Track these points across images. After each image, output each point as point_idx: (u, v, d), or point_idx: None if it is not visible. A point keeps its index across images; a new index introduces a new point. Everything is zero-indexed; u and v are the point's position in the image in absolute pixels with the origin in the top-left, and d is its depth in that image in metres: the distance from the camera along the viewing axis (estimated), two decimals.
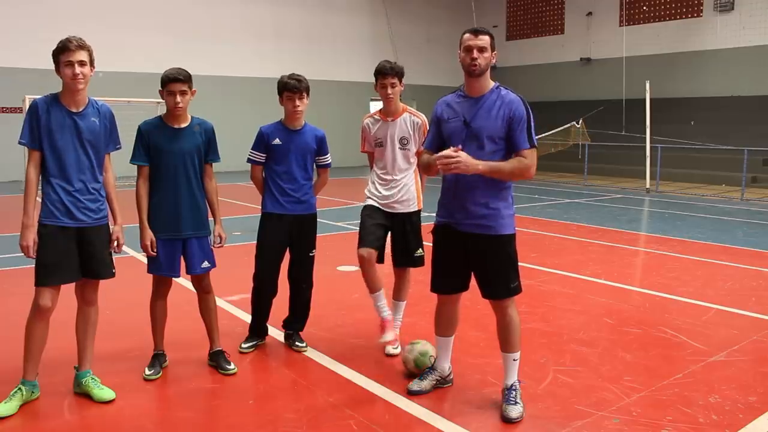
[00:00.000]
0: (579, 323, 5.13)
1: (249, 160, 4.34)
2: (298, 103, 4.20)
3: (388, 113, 4.33)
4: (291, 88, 4.17)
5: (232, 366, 4.06)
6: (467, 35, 3.43)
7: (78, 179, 3.52)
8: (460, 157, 3.22)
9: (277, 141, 4.25)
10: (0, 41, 16.09)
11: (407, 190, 4.31)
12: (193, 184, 3.95)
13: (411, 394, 3.70)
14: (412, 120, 4.30)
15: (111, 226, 3.72)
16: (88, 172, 3.57)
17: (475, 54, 3.37)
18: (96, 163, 3.61)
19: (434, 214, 3.65)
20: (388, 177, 4.31)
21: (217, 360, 4.11)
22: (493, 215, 3.42)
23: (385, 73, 4.21)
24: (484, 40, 3.39)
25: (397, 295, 4.51)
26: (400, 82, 4.25)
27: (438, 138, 3.60)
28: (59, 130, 3.47)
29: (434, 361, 3.84)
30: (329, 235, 8.82)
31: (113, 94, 13.72)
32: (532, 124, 3.41)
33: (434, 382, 3.78)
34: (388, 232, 4.34)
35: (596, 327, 5.07)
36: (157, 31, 18.30)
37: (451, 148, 3.28)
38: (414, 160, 4.33)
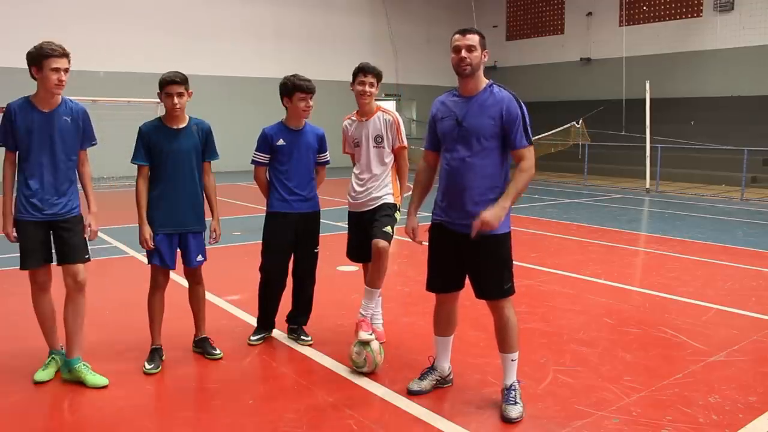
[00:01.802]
0: (579, 323, 5.13)
1: (253, 162, 4.41)
2: (310, 102, 4.35)
3: (363, 113, 4.37)
4: (305, 89, 4.31)
5: (218, 351, 4.21)
6: (456, 35, 3.45)
7: (50, 176, 3.66)
8: (483, 219, 3.25)
9: (281, 141, 4.35)
10: (0, 41, 16.11)
11: (382, 188, 4.30)
12: (193, 182, 4.09)
13: (411, 394, 3.70)
14: (384, 118, 4.33)
15: (85, 216, 3.82)
16: (60, 170, 3.69)
17: (464, 53, 3.37)
18: (68, 161, 3.73)
19: (430, 214, 3.66)
20: (364, 176, 4.35)
21: (202, 346, 4.27)
22: None
23: (367, 71, 4.23)
24: (473, 39, 3.40)
25: (369, 280, 4.14)
26: (377, 84, 4.29)
27: (435, 137, 3.61)
28: (32, 131, 3.62)
29: (434, 361, 3.84)
30: (329, 235, 8.79)
31: (113, 94, 13.69)
32: (527, 121, 3.40)
33: (434, 382, 3.78)
34: (366, 236, 4.25)
35: (596, 327, 5.07)
36: (157, 31, 18.28)
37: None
38: (389, 159, 4.34)
